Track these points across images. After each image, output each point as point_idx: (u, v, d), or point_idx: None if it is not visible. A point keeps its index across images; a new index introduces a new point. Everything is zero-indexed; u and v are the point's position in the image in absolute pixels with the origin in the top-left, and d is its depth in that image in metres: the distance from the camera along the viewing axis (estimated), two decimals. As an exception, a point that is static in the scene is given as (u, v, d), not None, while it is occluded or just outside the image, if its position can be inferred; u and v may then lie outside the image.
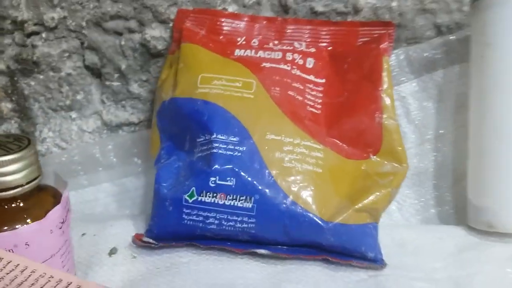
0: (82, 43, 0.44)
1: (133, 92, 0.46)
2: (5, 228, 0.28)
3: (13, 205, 0.28)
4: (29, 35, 0.43)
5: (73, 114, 0.46)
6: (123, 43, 0.44)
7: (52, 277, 0.25)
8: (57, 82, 0.45)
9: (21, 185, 0.28)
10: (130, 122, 0.46)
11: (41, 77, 0.44)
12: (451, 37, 0.44)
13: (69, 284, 0.24)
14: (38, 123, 0.46)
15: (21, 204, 0.28)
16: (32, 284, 0.24)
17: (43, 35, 0.43)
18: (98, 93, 0.46)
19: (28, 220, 0.28)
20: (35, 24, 0.43)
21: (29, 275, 0.25)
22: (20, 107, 0.45)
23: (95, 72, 0.45)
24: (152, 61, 0.45)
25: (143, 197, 0.45)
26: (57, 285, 0.24)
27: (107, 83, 0.45)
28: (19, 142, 0.28)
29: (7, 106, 0.45)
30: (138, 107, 0.46)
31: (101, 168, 0.45)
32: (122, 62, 0.45)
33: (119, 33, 0.44)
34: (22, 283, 0.24)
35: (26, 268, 0.25)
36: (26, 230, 0.28)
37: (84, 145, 0.45)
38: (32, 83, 0.45)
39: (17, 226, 0.28)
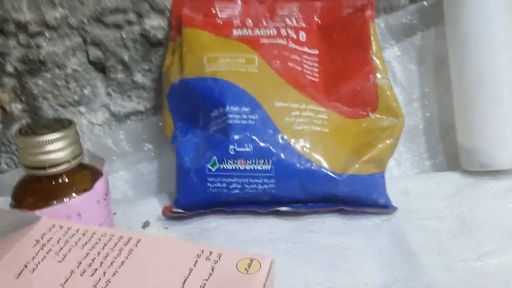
0: (84, 40, 0.46)
1: (138, 82, 0.48)
2: (54, 202, 0.30)
3: (60, 180, 0.30)
4: (33, 35, 0.45)
5: (82, 109, 0.48)
6: (124, 35, 0.46)
7: (113, 235, 0.27)
8: (64, 79, 0.47)
9: (68, 161, 0.30)
10: (137, 111, 0.49)
11: (48, 75, 0.46)
12: (424, 3, 0.48)
13: (129, 239, 0.27)
14: (48, 121, 0.47)
15: (67, 180, 0.31)
16: (96, 243, 0.27)
17: (47, 34, 0.45)
18: (104, 86, 0.48)
19: (74, 195, 0.30)
20: (38, 25, 0.45)
21: (91, 236, 0.27)
22: (30, 106, 0.47)
23: (100, 66, 0.47)
24: (153, 50, 0.47)
25: (158, 180, 0.47)
26: (119, 241, 0.27)
27: (112, 75, 0.48)
28: (61, 123, 0.30)
29: (17, 107, 0.47)
30: (144, 96, 0.48)
31: (115, 157, 0.47)
32: (124, 54, 0.47)
33: (119, 27, 0.46)
34: (86, 243, 0.27)
35: (87, 231, 0.27)
36: (78, 201, 0.30)
37: (96, 136, 0.48)
38: (40, 82, 0.46)
39: (64, 200, 0.30)
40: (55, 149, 0.29)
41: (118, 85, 0.48)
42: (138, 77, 0.48)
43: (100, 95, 0.48)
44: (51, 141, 0.29)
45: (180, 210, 0.38)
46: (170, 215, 0.39)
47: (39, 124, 0.30)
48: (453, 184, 0.43)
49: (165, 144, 0.46)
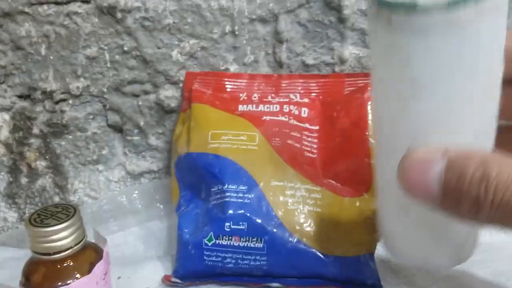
0: (104, 106, 0.50)
1: (152, 144, 0.52)
2: (59, 284, 0.33)
3: (64, 264, 0.34)
4: (57, 102, 0.49)
5: (100, 167, 0.52)
6: (140, 103, 0.50)
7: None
8: (84, 140, 0.51)
9: (71, 247, 0.34)
10: (151, 170, 0.52)
11: (70, 137, 0.51)
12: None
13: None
14: (69, 176, 0.52)
15: (71, 263, 0.34)
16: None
17: (70, 101, 0.49)
18: (120, 146, 0.52)
19: (77, 275, 0.34)
20: (62, 93, 0.49)
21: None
22: (53, 164, 0.51)
23: (117, 129, 0.51)
24: (166, 116, 0.51)
25: (167, 238, 0.50)
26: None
27: (128, 138, 0.51)
28: (66, 211, 0.34)
29: (41, 164, 0.51)
30: (157, 157, 0.52)
31: (128, 214, 0.50)
32: (140, 119, 0.51)
33: (136, 95, 0.50)
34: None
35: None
36: (77, 284, 0.33)
37: (112, 194, 0.51)
38: (63, 143, 0.51)
39: (68, 282, 0.34)
40: (60, 237, 0.33)
41: (133, 146, 0.52)
42: (152, 140, 0.51)
43: (117, 155, 0.52)
44: (57, 231, 0.33)
45: (178, 280, 0.42)
46: (169, 284, 0.42)
47: (47, 212, 0.34)
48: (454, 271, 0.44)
49: (174, 204, 0.50)
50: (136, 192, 0.51)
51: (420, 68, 0.24)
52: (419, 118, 0.25)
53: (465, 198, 0.23)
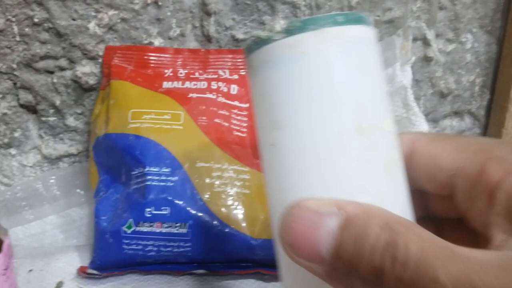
0: (15, 84, 0.46)
1: (70, 125, 0.48)
2: (-50, 281, 0.30)
3: (-44, 258, 0.30)
4: (-40, 79, 0.44)
5: (13, 151, 0.47)
6: (55, 80, 0.46)
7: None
8: (-7, 122, 0.46)
9: (-38, 240, 0.30)
10: (70, 153, 0.48)
11: (-23, 119, 0.46)
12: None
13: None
14: (-22, 162, 0.47)
15: (-36, 257, 0.30)
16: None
17: (-25, 79, 0.45)
18: (35, 128, 0.47)
19: (-28, 271, 0.30)
20: (-35, 69, 0.44)
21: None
22: (-42, 149, 0.46)
23: (31, 109, 0.47)
24: (85, 95, 0.47)
25: (88, 226, 0.47)
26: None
27: (43, 118, 0.47)
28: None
29: None
30: (76, 139, 0.48)
31: (45, 202, 0.46)
32: (56, 98, 0.46)
33: (50, 72, 0.45)
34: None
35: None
36: (-30, 282, 0.30)
37: (27, 180, 0.47)
38: (-32, 125, 0.46)
39: (-39, 278, 0.30)
40: None
41: (50, 127, 0.48)
42: (71, 120, 0.47)
43: (31, 137, 0.48)
44: None
45: (94, 272, 0.38)
46: (84, 276, 0.39)
47: None
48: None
49: (96, 189, 0.46)
50: (54, 177, 0.47)
51: (278, 105, 0.19)
52: (296, 169, 0.19)
53: (364, 266, 0.17)
